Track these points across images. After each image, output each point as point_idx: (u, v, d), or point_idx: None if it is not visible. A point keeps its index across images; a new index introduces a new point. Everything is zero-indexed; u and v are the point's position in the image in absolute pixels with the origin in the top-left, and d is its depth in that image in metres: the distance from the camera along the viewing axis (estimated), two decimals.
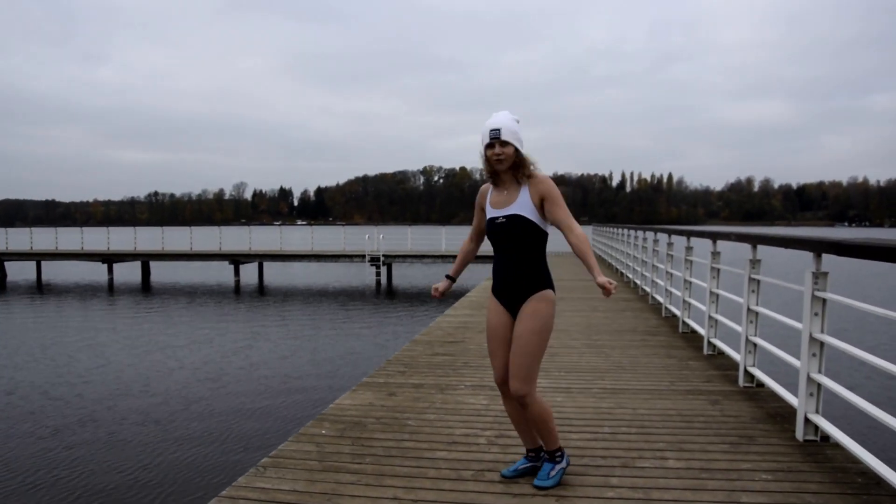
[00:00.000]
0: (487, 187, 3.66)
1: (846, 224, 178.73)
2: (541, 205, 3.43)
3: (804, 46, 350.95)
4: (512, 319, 3.55)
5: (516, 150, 3.44)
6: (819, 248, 4.02)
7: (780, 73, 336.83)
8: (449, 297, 22.35)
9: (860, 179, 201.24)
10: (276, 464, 3.83)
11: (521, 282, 3.46)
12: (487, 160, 3.49)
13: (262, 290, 28.02)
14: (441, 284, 3.84)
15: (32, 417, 9.44)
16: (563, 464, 3.57)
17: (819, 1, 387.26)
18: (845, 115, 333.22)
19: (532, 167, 3.47)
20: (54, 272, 36.01)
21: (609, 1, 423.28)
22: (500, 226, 3.48)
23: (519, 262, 3.46)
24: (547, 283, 3.49)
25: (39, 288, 29.37)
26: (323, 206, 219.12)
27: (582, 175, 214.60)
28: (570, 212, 3.47)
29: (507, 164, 3.44)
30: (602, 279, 3.24)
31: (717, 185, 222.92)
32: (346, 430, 4.43)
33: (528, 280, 3.46)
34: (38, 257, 32.96)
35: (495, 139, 3.42)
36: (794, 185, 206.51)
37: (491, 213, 3.54)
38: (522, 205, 3.43)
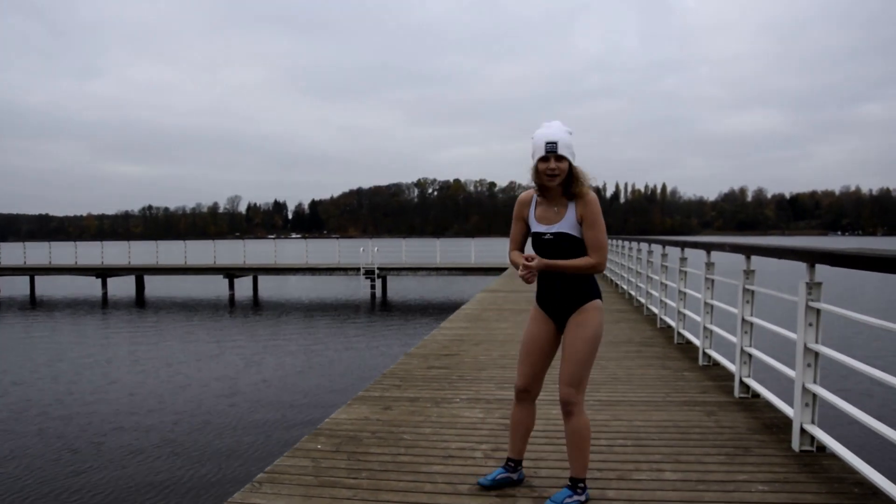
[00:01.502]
0: (529, 196, 3.57)
1: (839, 233, 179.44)
2: (581, 222, 3.39)
3: (796, 57, 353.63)
4: (555, 330, 3.54)
5: (570, 165, 3.36)
6: (812, 258, 4.04)
7: (773, 84, 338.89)
8: (444, 309, 22.36)
9: (853, 188, 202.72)
10: (272, 479, 3.80)
11: (569, 294, 3.44)
12: (539, 173, 3.39)
13: (256, 303, 27.96)
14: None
15: (17, 425, 9.38)
16: (582, 497, 3.40)
17: (811, 13, 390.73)
18: (837, 124, 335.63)
19: (585, 184, 3.37)
20: (48, 287, 35.88)
21: (601, 13, 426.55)
22: (547, 242, 3.43)
23: (566, 276, 3.42)
24: (595, 293, 3.47)
25: (33, 303, 29.24)
26: (317, 219, 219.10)
27: None
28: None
29: (560, 179, 3.35)
30: (521, 257, 3.42)
31: (711, 195, 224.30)
32: (342, 445, 4.41)
33: (577, 292, 3.43)
34: (32, 272, 32.87)
35: (551, 153, 3.32)
36: (788, 195, 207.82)
37: (536, 227, 3.49)
38: (569, 223, 3.39)
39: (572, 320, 3.43)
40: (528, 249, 3.60)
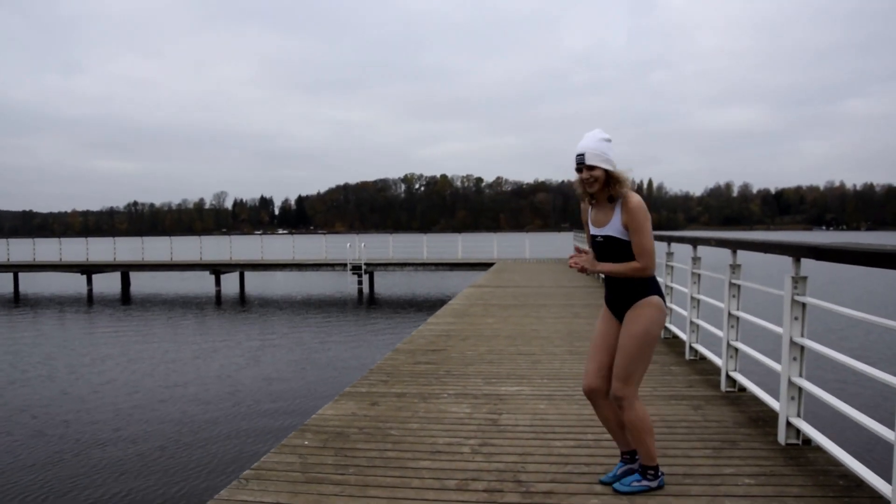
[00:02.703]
0: (586, 202, 3.70)
1: (824, 228, 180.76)
2: (626, 227, 3.48)
3: (781, 53, 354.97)
4: (618, 327, 3.62)
5: (606, 170, 3.45)
6: (798, 252, 4.06)
7: (758, 80, 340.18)
8: (431, 305, 22.36)
9: (837, 184, 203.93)
10: (259, 476, 3.79)
11: (624, 291, 3.55)
12: (581, 183, 3.54)
13: (243, 299, 27.85)
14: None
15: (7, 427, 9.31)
16: (654, 484, 3.52)
17: (796, 8, 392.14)
18: (822, 120, 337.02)
19: (625, 187, 3.47)
20: (32, 284, 35.57)
21: (588, 9, 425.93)
22: (600, 244, 3.59)
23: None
24: (652, 289, 3.55)
25: (17, 300, 28.99)
26: (304, 215, 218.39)
27: (562, 182, 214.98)
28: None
29: (598, 186, 3.48)
30: (585, 253, 3.66)
31: (697, 190, 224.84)
32: (329, 441, 4.40)
33: (632, 289, 3.53)
34: (16, 269, 32.51)
35: (581, 164, 3.46)
36: (773, 190, 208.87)
37: (592, 230, 3.64)
38: (615, 227, 3.50)
39: (627, 316, 3.55)
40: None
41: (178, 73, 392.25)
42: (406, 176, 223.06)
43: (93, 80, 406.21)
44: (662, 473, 3.58)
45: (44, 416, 10.08)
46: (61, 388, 11.78)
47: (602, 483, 3.63)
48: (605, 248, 3.55)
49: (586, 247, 3.79)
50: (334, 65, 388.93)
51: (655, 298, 3.53)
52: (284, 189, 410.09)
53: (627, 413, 3.48)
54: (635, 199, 3.44)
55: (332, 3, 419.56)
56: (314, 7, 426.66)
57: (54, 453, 8.38)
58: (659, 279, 8.78)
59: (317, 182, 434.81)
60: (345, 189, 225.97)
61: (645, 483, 3.51)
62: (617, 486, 3.52)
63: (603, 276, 3.74)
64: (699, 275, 6.92)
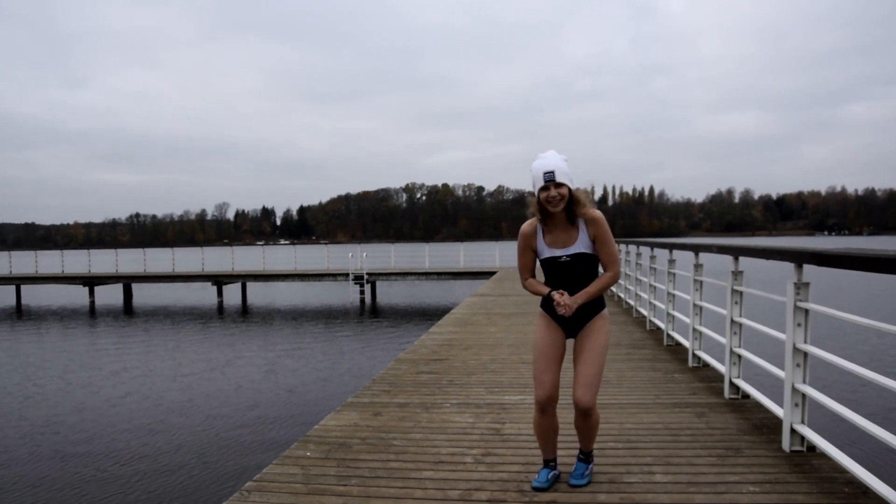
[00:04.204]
0: (532, 226, 3.69)
1: (826, 233, 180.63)
2: (594, 241, 3.58)
3: (782, 58, 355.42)
4: (564, 337, 3.73)
5: (570, 190, 3.51)
6: (800, 258, 4.05)
7: (759, 85, 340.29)
8: (433, 314, 22.33)
9: (838, 189, 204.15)
10: (261, 487, 3.77)
11: (585, 306, 3.60)
12: (540, 202, 3.54)
13: (245, 310, 27.83)
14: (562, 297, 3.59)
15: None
16: (593, 463, 3.85)
17: (797, 13, 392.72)
18: (823, 125, 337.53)
19: (586, 206, 3.55)
20: (34, 296, 35.58)
21: (590, 17, 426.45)
22: (565, 264, 3.61)
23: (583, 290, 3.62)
24: (604, 302, 3.73)
25: (19, 312, 29.00)
26: (306, 225, 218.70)
27: None
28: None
29: (562, 205, 3.50)
30: (559, 296, 3.56)
31: (699, 196, 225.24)
32: (332, 452, 4.38)
33: (592, 303, 3.62)
34: (18, 281, 32.55)
35: (550, 181, 3.47)
36: (774, 196, 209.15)
37: (549, 252, 3.64)
38: (584, 243, 3.58)
39: (588, 327, 3.65)
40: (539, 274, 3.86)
41: (181, 85, 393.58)
42: (408, 185, 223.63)
43: (96, 94, 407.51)
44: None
45: (43, 426, 10.06)
46: (60, 400, 11.76)
47: (535, 489, 3.67)
48: (572, 267, 3.60)
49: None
50: (336, 75, 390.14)
51: (607, 311, 3.74)
52: (286, 199, 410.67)
53: (593, 417, 3.66)
54: (598, 212, 3.57)
55: (334, 13, 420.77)
56: (316, 18, 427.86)
57: (52, 460, 8.37)
58: (661, 286, 8.80)
59: (318, 192, 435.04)
60: (346, 199, 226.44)
61: (590, 467, 3.83)
62: (576, 482, 3.69)
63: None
64: (701, 282, 6.91)
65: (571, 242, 3.57)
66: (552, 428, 3.73)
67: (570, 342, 3.77)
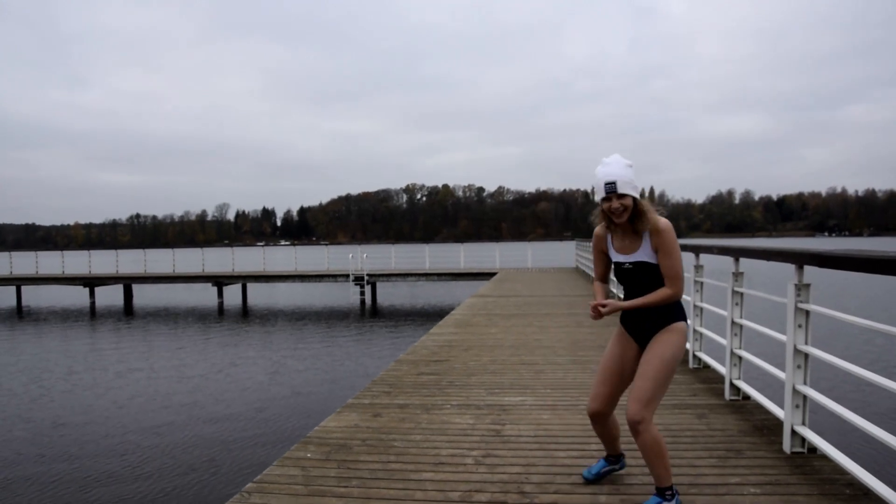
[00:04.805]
0: (604, 229, 3.60)
1: (826, 234, 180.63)
2: (657, 252, 3.41)
3: (782, 59, 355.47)
4: (638, 351, 3.56)
5: (634, 199, 3.36)
6: (801, 259, 4.04)
7: (759, 86, 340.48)
8: (434, 315, 22.32)
9: (839, 190, 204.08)
10: (261, 489, 3.77)
11: (652, 317, 3.47)
12: (604, 213, 3.43)
13: (245, 311, 27.82)
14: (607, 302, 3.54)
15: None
16: (673, 502, 3.37)
17: (797, 15, 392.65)
18: (823, 126, 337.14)
19: (652, 216, 3.37)
20: (35, 297, 35.59)
21: (590, 18, 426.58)
22: (628, 271, 3.50)
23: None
24: (678, 314, 3.50)
25: (20, 313, 29.00)
26: (306, 226, 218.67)
27: (564, 190, 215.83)
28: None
29: (625, 216, 3.37)
30: (605, 300, 3.50)
31: (699, 197, 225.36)
32: (332, 453, 4.37)
33: (660, 314, 3.46)
34: (18, 282, 32.54)
35: (611, 193, 3.33)
36: (775, 197, 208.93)
37: (617, 257, 3.55)
38: (646, 252, 3.43)
39: (655, 338, 3.46)
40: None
41: (181, 85, 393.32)
42: (408, 186, 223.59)
43: (96, 94, 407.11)
44: (677, 492, 3.48)
45: (44, 426, 10.06)
46: (60, 401, 11.76)
47: (584, 478, 3.72)
48: (636, 275, 3.47)
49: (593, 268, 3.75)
50: (336, 76, 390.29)
51: (682, 324, 3.48)
52: (286, 200, 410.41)
53: (644, 436, 3.32)
54: (664, 221, 3.38)
55: (333, 15, 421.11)
56: (316, 19, 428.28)
57: (52, 461, 8.36)
58: None
59: (319, 193, 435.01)
60: (347, 200, 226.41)
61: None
62: None
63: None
64: (702, 283, 6.90)
65: (635, 250, 3.45)
66: (603, 434, 3.71)
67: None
